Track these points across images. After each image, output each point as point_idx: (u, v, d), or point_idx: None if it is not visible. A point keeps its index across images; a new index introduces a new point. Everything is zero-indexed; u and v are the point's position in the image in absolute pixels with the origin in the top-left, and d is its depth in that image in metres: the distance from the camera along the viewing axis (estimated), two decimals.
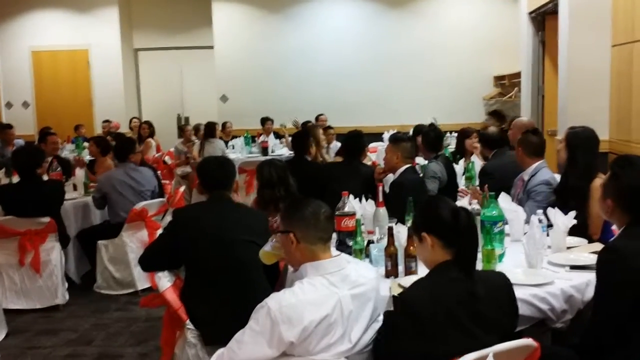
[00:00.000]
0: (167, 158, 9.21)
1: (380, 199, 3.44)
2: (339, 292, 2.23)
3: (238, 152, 8.96)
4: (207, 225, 3.14)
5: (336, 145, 8.12)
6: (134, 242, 5.39)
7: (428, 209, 2.31)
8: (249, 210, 3.52)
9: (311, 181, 4.61)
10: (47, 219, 4.90)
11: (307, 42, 10.81)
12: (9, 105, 11.47)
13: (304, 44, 10.81)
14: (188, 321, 3.06)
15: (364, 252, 3.08)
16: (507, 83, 9.90)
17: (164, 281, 3.15)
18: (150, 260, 3.26)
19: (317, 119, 9.57)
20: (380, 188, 3.50)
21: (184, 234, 3.15)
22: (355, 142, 5.17)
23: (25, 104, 11.48)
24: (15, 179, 5.58)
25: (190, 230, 3.14)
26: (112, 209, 5.49)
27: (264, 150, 8.90)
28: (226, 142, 9.20)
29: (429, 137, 5.33)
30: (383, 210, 3.41)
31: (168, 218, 5.82)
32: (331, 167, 5.53)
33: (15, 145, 7.97)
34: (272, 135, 9.53)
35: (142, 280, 5.38)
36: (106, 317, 4.88)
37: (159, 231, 5.49)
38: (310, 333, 2.14)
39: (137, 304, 5.09)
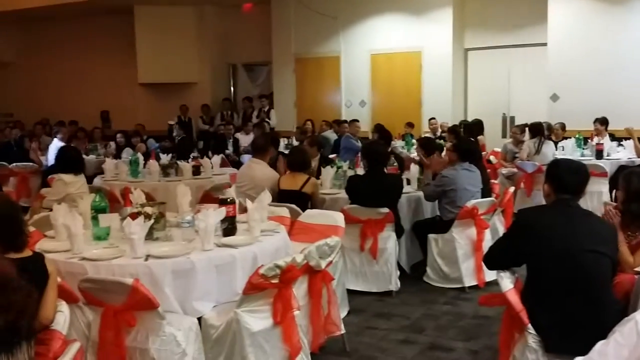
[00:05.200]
0: (491, 157, 9.17)
1: None
2: None
3: (568, 155, 8.47)
4: (553, 231, 3.01)
5: None
6: (462, 238, 5.48)
7: None
8: (598, 219, 3.29)
9: None
10: (386, 210, 5.26)
11: None
12: (348, 103, 12.64)
13: None
14: (529, 325, 2.99)
15: None
16: None
17: (506, 282, 3.12)
18: (495, 259, 3.27)
19: None
20: None
21: (527, 236, 3.07)
22: None
23: (362, 103, 12.50)
24: (359, 170, 6.13)
25: (534, 234, 3.04)
26: (448, 205, 5.60)
27: (599, 153, 8.31)
28: (555, 144, 8.81)
29: None
30: None
31: (496, 218, 5.82)
32: None
33: None
34: (607, 137, 8.82)
35: (469, 277, 5.46)
36: (435, 309, 5.04)
37: (487, 231, 5.54)
38: None
39: (464, 300, 5.20)
